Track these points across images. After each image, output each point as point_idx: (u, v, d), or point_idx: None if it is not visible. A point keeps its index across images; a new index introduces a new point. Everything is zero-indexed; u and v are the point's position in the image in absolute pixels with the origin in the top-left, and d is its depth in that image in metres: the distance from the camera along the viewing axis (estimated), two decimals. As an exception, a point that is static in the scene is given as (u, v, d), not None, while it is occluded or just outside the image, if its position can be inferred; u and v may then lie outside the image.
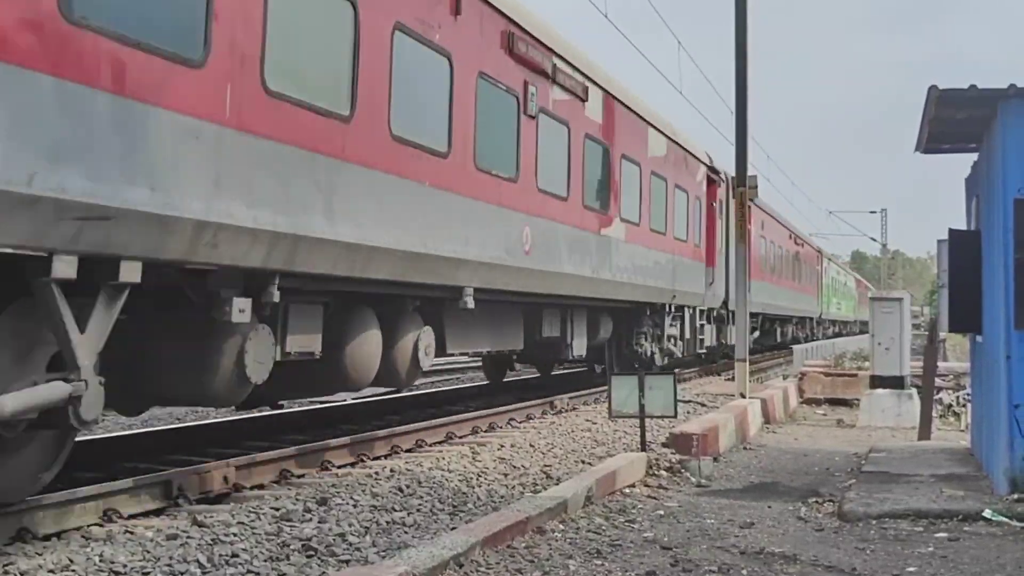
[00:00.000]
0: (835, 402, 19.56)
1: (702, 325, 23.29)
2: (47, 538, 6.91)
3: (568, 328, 16.65)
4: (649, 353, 19.96)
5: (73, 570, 5.89)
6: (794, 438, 14.65)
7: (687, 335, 22.18)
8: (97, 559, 6.11)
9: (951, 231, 10.97)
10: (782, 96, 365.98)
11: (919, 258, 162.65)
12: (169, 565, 6.09)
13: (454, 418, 13.42)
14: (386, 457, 11.06)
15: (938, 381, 16.84)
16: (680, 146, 21.35)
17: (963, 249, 10.61)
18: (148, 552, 6.33)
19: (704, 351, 23.89)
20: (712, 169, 24.37)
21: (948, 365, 21.68)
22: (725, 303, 24.74)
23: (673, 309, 20.99)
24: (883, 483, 9.84)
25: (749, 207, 18.03)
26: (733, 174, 18.24)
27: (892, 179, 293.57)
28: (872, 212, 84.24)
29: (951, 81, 9.43)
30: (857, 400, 17.78)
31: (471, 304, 11.74)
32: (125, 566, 6.01)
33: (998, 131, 9.18)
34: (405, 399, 16.18)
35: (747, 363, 17.21)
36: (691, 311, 22.49)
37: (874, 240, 79.37)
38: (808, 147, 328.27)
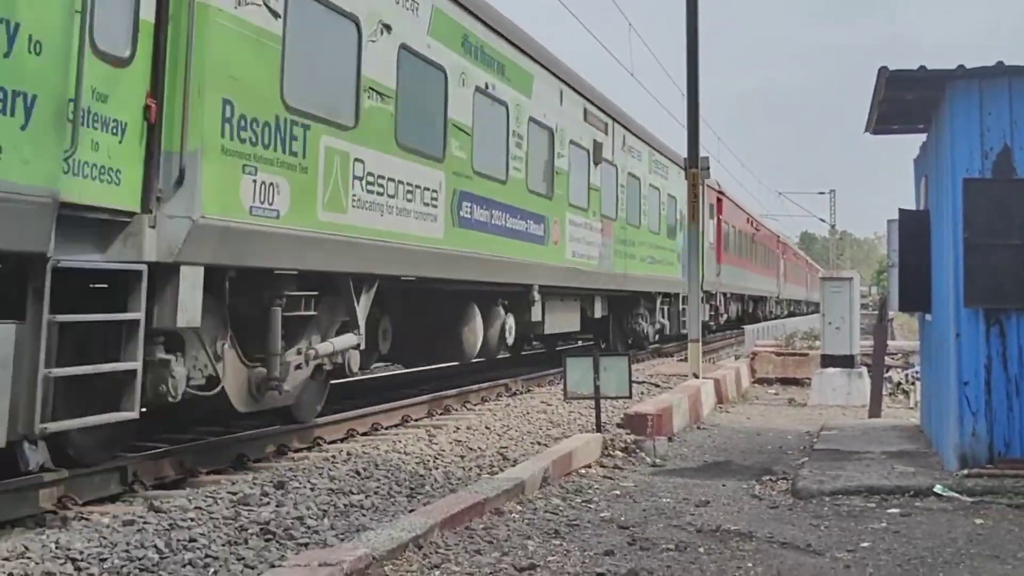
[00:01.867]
0: (787, 381, 19.76)
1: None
2: (0, 526, 6.84)
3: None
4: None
5: (28, 557, 5.82)
6: (747, 417, 14.80)
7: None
8: (53, 546, 6.05)
9: (901, 211, 11.10)
10: (733, 78, 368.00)
11: (866, 238, 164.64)
12: (127, 551, 6.04)
13: (409, 401, 13.41)
14: (342, 441, 11.05)
15: (887, 360, 17.07)
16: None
17: (913, 229, 10.74)
18: (105, 538, 6.28)
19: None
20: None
21: (897, 344, 22.00)
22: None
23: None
24: (835, 460, 9.97)
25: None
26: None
27: (841, 160, 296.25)
28: (821, 193, 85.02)
29: (902, 64, 9.57)
30: (808, 379, 17.98)
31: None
32: (82, 552, 5.95)
33: (946, 112, 9.30)
34: (362, 382, 16.13)
35: (700, 344, 17.33)
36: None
37: (823, 221, 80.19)
38: (758, 129, 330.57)
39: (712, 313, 31.25)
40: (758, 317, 43.58)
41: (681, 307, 25.29)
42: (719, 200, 33.35)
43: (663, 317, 25.27)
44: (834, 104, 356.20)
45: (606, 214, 19.88)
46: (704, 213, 26.90)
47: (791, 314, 55.94)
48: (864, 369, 16.49)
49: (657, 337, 25.38)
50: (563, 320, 18.33)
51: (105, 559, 5.89)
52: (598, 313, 20.71)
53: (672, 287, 25.29)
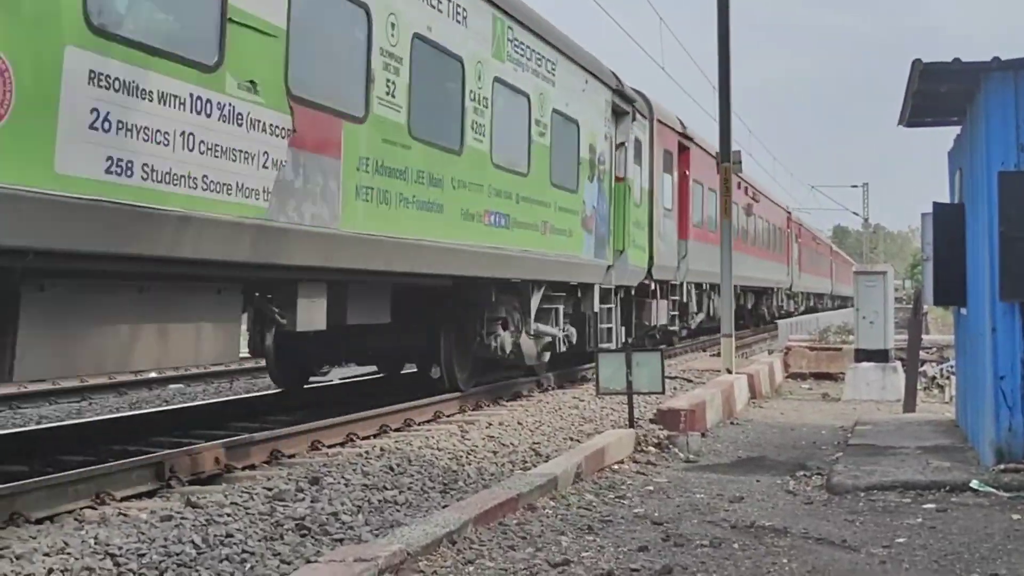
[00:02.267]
0: (820, 376, 19.65)
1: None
2: (40, 521, 6.92)
3: None
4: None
5: (68, 552, 5.89)
6: (780, 412, 14.74)
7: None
8: (92, 541, 6.12)
9: (935, 204, 11.02)
10: (764, 71, 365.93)
11: (900, 232, 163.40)
12: (164, 546, 6.11)
13: (442, 397, 13.44)
14: (375, 437, 11.08)
15: (922, 354, 16.95)
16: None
17: (947, 222, 10.66)
18: (143, 534, 6.34)
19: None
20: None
21: (931, 338, 21.81)
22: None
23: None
24: (870, 456, 9.92)
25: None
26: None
27: (874, 153, 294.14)
28: (854, 186, 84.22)
29: (935, 55, 9.45)
30: (842, 374, 17.86)
31: None
32: (120, 548, 6.02)
33: (981, 104, 9.22)
34: (392, 380, 16.19)
35: (733, 339, 17.27)
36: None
37: (856, 214, 79.52)
38: (790, 122, 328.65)
39: (674, 313, 22.71)
40: (761, 315, 38.01)
41: (596, 307, 17.06)
42: (681, 148, 23.61)
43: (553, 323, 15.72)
44: (868, 96, 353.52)
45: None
46: (655, 164, 20.87)
47: (810, 310, 49.91)
48: (898, 363, 16.37)
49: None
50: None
51: (143, 554, 5.96)
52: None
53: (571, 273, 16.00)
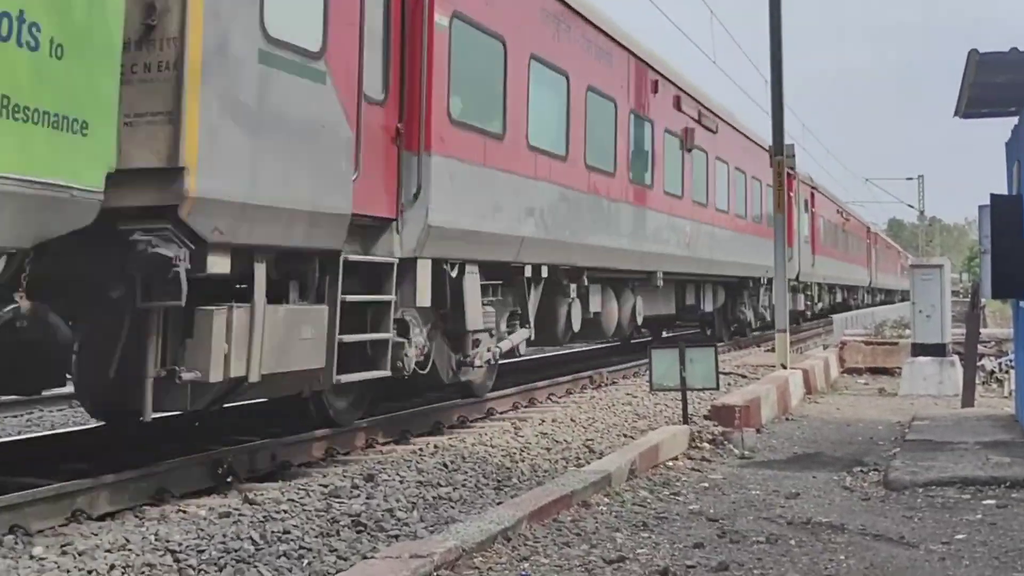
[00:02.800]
0: (876, 371, 19.44)
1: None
2: (102, 519, 7.04)
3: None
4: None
5: (129, 549, 5.98)
6: (836, 408, 14.61)
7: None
8: (152, 538, 6.21)
9: (993, 196, 10.87)
10: (817, 62, 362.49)
11: (956, 224, 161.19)
12: (223, 542, 6.18)
13: (494, 394, 13.46)
14: (429, 434, 11.14)
15: (980, 348, 16.71)
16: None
17: (1005, 214, 10.51)
18: (202, 530, 6.43)
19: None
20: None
21: (989, 331, 21.52)
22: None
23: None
24: (928, 451, 9.81)
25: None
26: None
27: (930, 145, 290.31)
28: (909, 179, 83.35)
29: (991, 46, 9.32)
30: (898, 369, 17.68)
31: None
32: (180, 544, 6.10)
33: (1040, 94, 9.09)
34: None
35: (787, 334, 17.14)
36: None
37: (911, 207, 78.65)
38: (843, 114, 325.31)
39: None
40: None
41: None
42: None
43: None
44: (921, 86, 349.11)
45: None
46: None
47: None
48: (956, 358, 16.17)
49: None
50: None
51: (203, 550, 6.03)
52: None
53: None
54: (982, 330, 19.23)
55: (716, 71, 31.33)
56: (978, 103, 10.84)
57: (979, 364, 16.25)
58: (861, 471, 9.43)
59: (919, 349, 16.68)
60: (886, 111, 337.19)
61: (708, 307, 23.12)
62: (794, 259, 29.79)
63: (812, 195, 35.48)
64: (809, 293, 34.38)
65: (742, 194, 24.77)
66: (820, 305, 37.20)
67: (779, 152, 17.54)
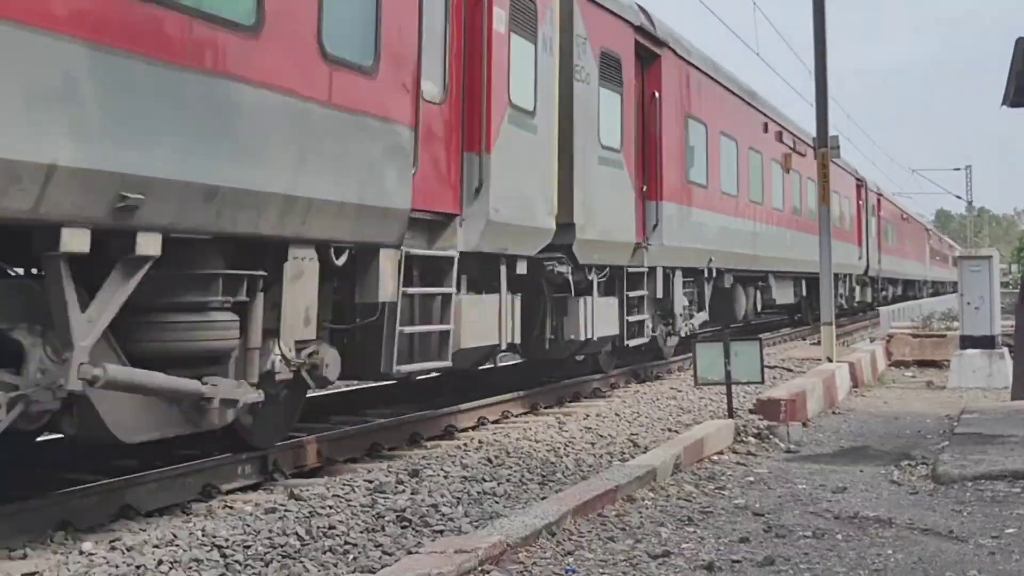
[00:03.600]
0: (924, 364, 19.26)
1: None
2: (149, 514, 7.12)
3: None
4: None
5: (177, 544, 6.03)
6: (883, 401, 14.48)
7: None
8: (199, 533, 6.26)
9: (1042, 186, 10.72)
10: (861, 52, 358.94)
11: (1005, 215, 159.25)
12: (269, 538, 6.22)
13: (539, 389, 13.47)
14: (473, 429, 11.16)
15: (1030, 340, 16.48)
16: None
17: (1055, 204, 10.36)
18: (248, 526, 6.47)
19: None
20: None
21: (1040, 323, 21.19)
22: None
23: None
24: (977, 444, 9.70)
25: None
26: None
27: (977, 135, 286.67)
28: (956, 169, 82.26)
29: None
30: (946, 361, 17.49)
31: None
32: (227, 540, 6.14)
33: (1090, 82, 8.95)
34: (489, 372, 16.25)
35: (833, 326, 16.97)
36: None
37: (959, 198, 77.79)
38: (889, 104, 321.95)
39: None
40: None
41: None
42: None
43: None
44: (967, 76, 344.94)
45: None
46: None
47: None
48: (1006, 350, 15.96)
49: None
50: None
51: (249, 546, 6.07)
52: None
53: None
54: (1033, 322, 18.97)
55: (759, 63, 31.25)
56: (1027, 91, 10.69)
57: (1029, 356, 16.02)
58: (909, 465, 9.33)
59: (968, 341, 16.47)
60: (936, 101, 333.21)
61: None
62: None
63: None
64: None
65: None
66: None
67: (823, 144, 17.38)
